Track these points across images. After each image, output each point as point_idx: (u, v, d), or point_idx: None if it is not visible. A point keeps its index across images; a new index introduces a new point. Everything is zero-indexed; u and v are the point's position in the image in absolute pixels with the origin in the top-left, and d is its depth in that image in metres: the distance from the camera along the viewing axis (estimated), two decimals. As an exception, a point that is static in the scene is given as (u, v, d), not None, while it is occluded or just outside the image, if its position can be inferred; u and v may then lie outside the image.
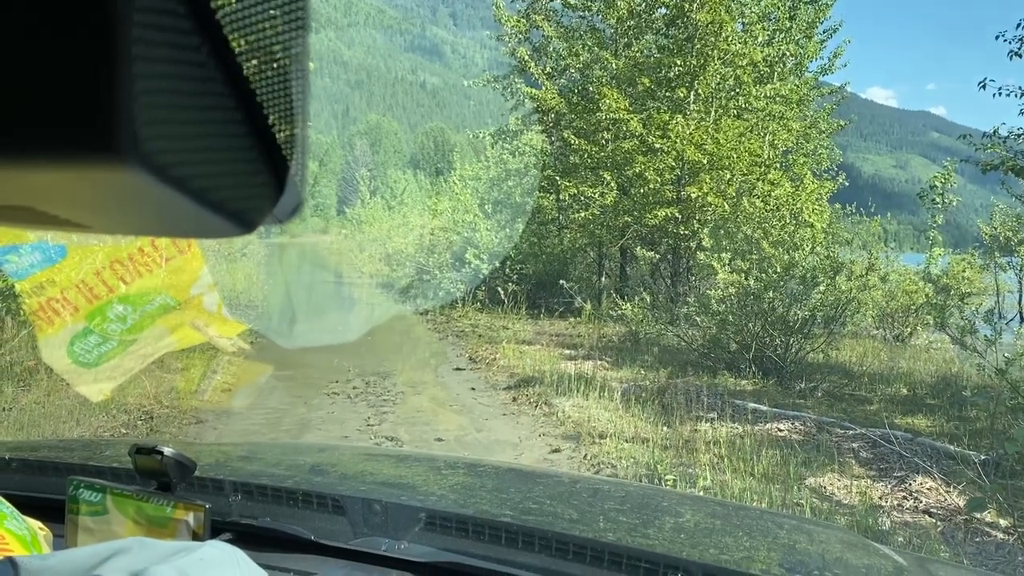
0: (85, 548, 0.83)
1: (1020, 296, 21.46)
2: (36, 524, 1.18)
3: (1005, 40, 8.98)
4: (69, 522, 1.30)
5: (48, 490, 1.49)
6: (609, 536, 1.45)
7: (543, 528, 1.41)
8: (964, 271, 16.16)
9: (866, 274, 9.48)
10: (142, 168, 0.29)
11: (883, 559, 1.61)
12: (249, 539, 1.38)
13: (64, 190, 0.33)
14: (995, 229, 21.03)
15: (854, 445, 6.34)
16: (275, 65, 0.35)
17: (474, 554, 1.36)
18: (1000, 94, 9.05)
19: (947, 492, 5.10)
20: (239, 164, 0.36)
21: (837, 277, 9.13)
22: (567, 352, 10.85)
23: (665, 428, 6.76)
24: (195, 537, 1.21)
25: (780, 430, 6.80)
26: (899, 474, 5.54)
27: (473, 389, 8.55)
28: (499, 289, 15.97)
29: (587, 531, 1.47)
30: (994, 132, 9.33)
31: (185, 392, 7.58)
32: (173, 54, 0.30)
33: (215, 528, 1.30)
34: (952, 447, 6.18)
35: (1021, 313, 21.06)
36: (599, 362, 9.97)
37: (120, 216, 0.39)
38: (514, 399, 7.97)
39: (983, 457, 5.73)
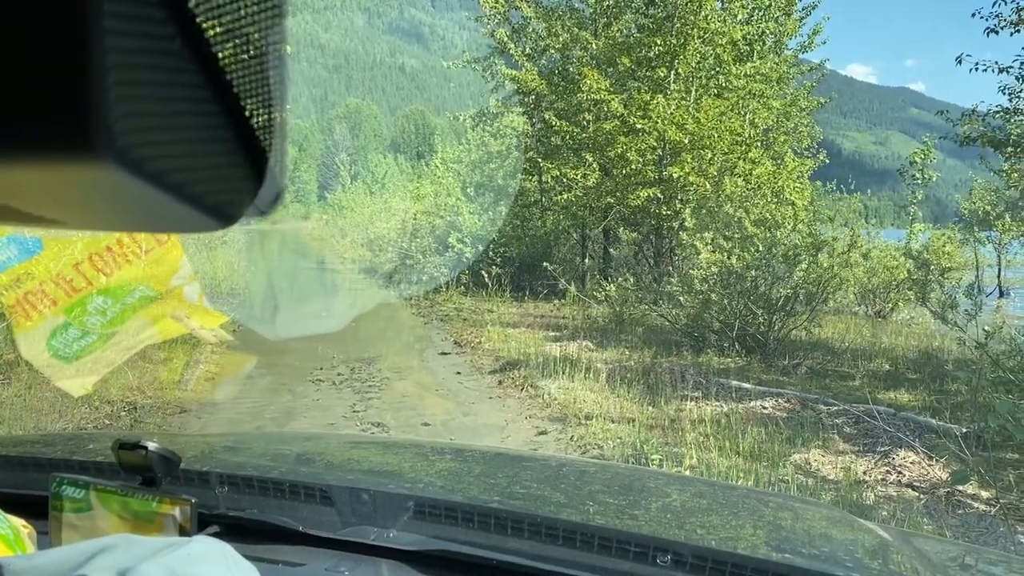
0: (70, 546, 0.83)
1: (999, 270, 21.71)
2: (19, 522, 1.16)
3: (982, 17, 8.99)
4: (53, 519, 1.29)
5: (31, 487, 1.48)
6: (598, 519, 1.45)
7: (532, 513, 1.42)
8: (944, 246, 16.32)
9: (848, 251, 9.53)
10: (118, 164, 0.29)
11: (867, 534, 1.64)
12: (236, 531, 1.38)
13: (39, 188, 0.32)
14: (974, 204, 21.21)
15: (838, 421, 6.40)
16: (251, 53, 0.34)
17: (463, 541, 1.36)
18: (976, 70, 9.10)
19: (930, 465, 5.16)
20: (217, 157, 0.35)
21: (819, 255, 9.19)
22: (552, 334, 10.87)
23: (651, 408, 6.79)
24: (182, 531, 1.20)
25: (765, 407, 6.85)
26: (882, 449, 5.60)
27: (459, 373, 8.55)
28: (483, 272, 15.95)
29: (575, 514, 1.47)
30: (973, 110, 9.42)
31: (168, 383, 7.53)
32: (147, 46, 0.29)
33: (202, 521, 1.29)
34: (934, 421, 6.25)
35: (1000, 287, 21.32)
36: (584, 343, 9.99)
37: (97, 213, 0.38)
38: (500, 382, 7.98)
39: (964, 430, 5.81)
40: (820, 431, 6.08)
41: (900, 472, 5.15)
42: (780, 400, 7.04)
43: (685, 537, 1.40)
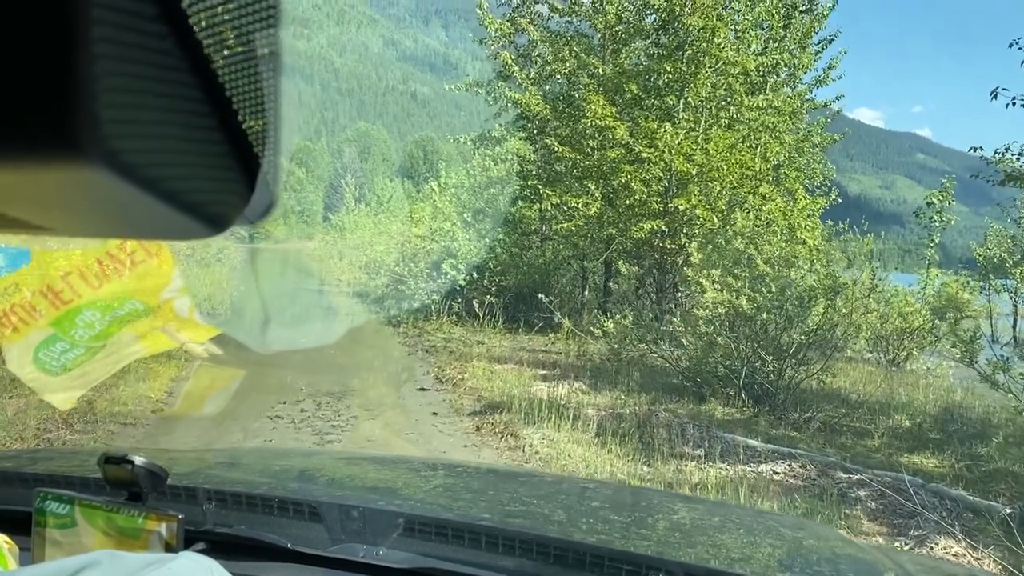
0: (53, 563, 0.82)
1: (1015, 319, 20.90)
2: (2, 538, 1.18)
3: (1020, 48, 8.40)
4: (36, 535, 1.27)
5: (13, 502, 1.46)
6: (591, 538, 1.44)
7: (524, 531, 1.40)
8: (958, 293, 15.52)
9: (868, 295, 8.75)
10: (107, 167, 0.28)
11: (876, 557, 1.61)
12: (224, 548, 1.35)
13: (25, 191, 0.31)
14: (989, 250, 20.51)
15: (860, 493, 5.57)
16: (245, 57, 0.32)
17: (453, 559, 1.35)
18: (1014, 104, 8.47)
19: (977, 559, 4.33)
20: (208, 162, 0.34)
21: (838, 298, 8.39)
22: (542, 372, 10.07)
23: (645, 467, 5.97)
24: (168, 548, 1.18)
25: (776, 472, 6.02)
26: (916, 533, 4.76)
27: (435, 414, 7.74)
28: (475, 301, 15.20)
29: (566, 532, 1.46)
30: (1006, 149, 8.93)
31: (106, 414, 6.76)
32: (138, 46, 0.28)
33: (189, 538, 1.27)
34: (969, 495, 5.45)
35: (1015, 338, 20.49)
36: (576, 384, 9.18)
37: (84, 217, 0.37)
38: (477, 428, 7.15)
39: (1008, 510, 5.01)
40: (841, 505, 5.25)
41: (940, 565, 4.33)
42: (793, 464, 6.20)
43: (676, 557, 1.38)
